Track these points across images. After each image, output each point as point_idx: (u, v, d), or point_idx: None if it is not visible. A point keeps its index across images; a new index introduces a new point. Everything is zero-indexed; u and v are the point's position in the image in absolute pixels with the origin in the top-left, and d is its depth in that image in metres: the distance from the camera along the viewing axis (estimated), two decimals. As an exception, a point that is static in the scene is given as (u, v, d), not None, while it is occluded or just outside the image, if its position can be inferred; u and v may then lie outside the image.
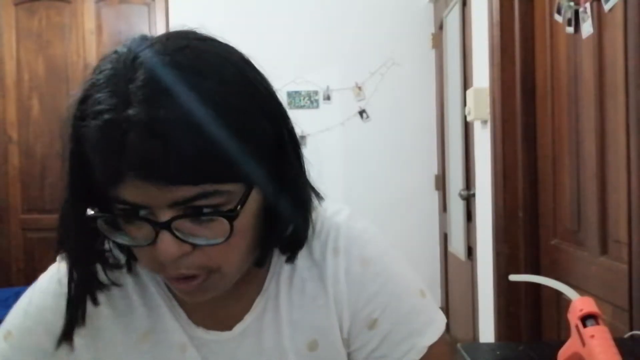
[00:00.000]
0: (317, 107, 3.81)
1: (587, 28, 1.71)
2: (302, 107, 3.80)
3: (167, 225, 0.58)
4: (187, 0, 3.78)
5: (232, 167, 0.58)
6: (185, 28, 0.64)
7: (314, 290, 0.72)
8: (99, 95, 0.57)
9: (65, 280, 0.68)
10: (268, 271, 0.73)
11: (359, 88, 3.82)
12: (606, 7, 1.59)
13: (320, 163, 3.77)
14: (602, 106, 1.67)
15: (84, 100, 0.58)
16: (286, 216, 0.66)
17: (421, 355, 0.71)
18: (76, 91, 0.61)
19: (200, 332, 0.72)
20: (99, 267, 0.68)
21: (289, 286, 0.72)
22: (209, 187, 0.57)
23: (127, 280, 0.73)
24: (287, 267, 0.73)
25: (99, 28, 3.80)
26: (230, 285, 0.67)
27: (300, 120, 3.60)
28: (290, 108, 3.79)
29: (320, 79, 3.79)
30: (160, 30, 3.77)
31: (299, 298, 0.72)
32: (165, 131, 0.55)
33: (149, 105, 0.55)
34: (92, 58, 3.79)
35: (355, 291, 0.71)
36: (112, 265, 0.70)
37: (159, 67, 0.57)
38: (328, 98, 3.81)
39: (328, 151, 3.80)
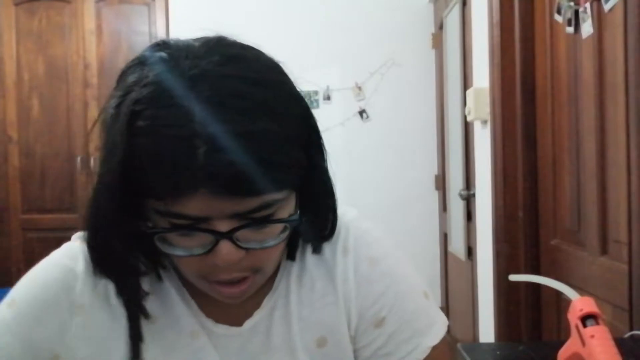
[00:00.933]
0: (317, 107, 3.81)
1: (587, 28, 1.71)
2: (302, 107, 3.79)
3: (228, 236, 0.59)
4: (187, 0, 3.78)
5: (288, 175, 0.60)
6: (208, 32, 0.64)
7: (324, 289, 0.73)
8: (157, 110, 0.56)
9: (81, 257, 0.69)
10: (278, 270, 0.74)
11: (359, 88, 3.82)
12: (606, 7, 1.59)
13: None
14: (602, 106, 1.67)
15: (137, 114, 0.57)
16: (315, 208, 0.69)
17: (425, 355, 0.72)
18: (118, 98, 0.59)
19: (210, 324, 0.72)
20: (141, 278, 0.69)
21: (298, 284, 0.73)
22: (268, 197, 0.59)
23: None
24: (296, 266, 0.74)
25: (99, 28, 3.80)
26: (265, 280, 0.70)
27: (300, 120, 3.53)
28: (290, 108, 3.79)
29: (320, 79, 3.79)
30: (160, 30, 3.77)
31: (308, 296, 0.73)
32: (232, 144, 0.55)
33: (214, 119, 0.55)
34: (92, 58, 3.79)
35: (363, 290, 0.72)
36: (139, 273, 0.70)
37: (220, 80, 0.57)
38: (328, 98, 3.81)
39: (328, 151, 3.79)
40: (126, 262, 0.66)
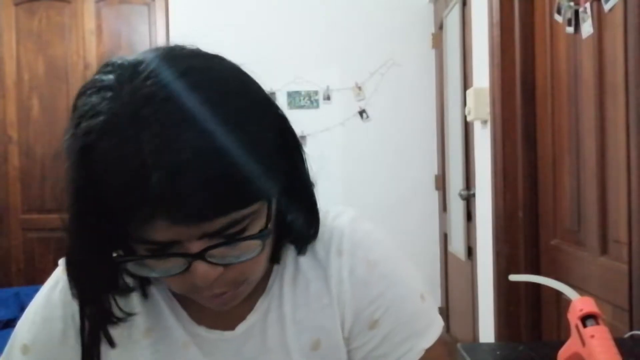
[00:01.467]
0: (317, 107, 3.81)
1: (587, 28, 1.71)
2: (302, 107, 3.79)
3: (200, 256, 0.58)
4: (187, 0, 3.78)
5: (255, 189, 0.58)
6: (171, 45, 0.61)
7: (318, 290, 0.72)
8: (106, 142, 0.54)
9: (68, 290, 0.68)
10: (271, 271, 0.74)
11: (359, 88, 3.82)
12: (606, 7, 1.59)
13: (320, 163, 3.76)
14: (602, 106, 1.67)
15: (88, 147, 0.55)
16: (297, 211, 0.69)
17: (419, 356, 0.72)
18: (72, 128, 0.57)
19: (202, 331, 0.72)
20: (112, 302, 0.68)
21: (292, 286, 0.73)
22: (236, 215, 0.57)
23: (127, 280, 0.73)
24: (290, 268, 0.73)
25: (99, 28, 3.80)
26: (253, 287, 0.69)
27: (300, 120, 3.60)
28: (290, 108, 3.79)
29: (320, 79, 3.79)
30: (160, 30, 3.77)
31: (302, 298, 0.72)
32: (188, 169, 0.53)
33: (166, 144, 0.53)
34: (92, 58, 3.79)
35: (358, 292, 0.72)
36: (123, 291, 0.70)
37: (166, 100, 0.54)
38: (328, 98, 3.81)
39: (328, 151, 3.80)
40: (99, 288, 0.66)
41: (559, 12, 1.90)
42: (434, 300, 0.79)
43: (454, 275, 3.48)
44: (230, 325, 0.72)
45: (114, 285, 0.67)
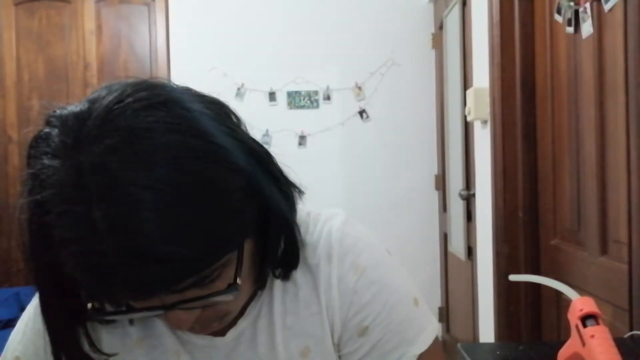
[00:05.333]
0: (317, 107, 3.81)
1: (587, 28, 1.71)
2: (302, 107, 3.79)
3: (173, 307, 0.58)
4: (187, 0, 3.78)
5: (219, 247, 0.56)
6: (122, 84, 0.57)
7: (308, 297, 0.71)
8: (57, 220, 0.53)
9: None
10: None
11: (359, 88, 3.81)
12: (606, 7, 1.59)
13: (320, 163, 3.77)
14: (602, 106, 1.67)
15: (40, 224, 0.55)
16: (274, 241, 0.66)
17: None
18: (24, 189, 0.56)
19: (193, 338, 0.72)
20: (91, 343, 0.68)
21: (282, 292, 0.72)
22: (206, 272, 0.57)
23: None
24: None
25: (99, 28, 3.80)
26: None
27: (300, 120, 3.62)
28: (290, 108, 3.79)
29: (320, 79, 3.79)
30: (160, 30, 3.77)
31: (292, 304, 0.72)
32: (142, 255, 0.51)
33: (115, 224, 0.51)
34: (92, 58, 3.79)
35: (347, 299, 0.71)
36: (106, 322, 0.71)
37: (110, 173, 0.51)
38: (328, 98, 3.81)
39: (328, 151, 3.80)
40: (68, 330, 0.65)
41: (559, 12, 1.90)
42: (428, 305, 0.77)
43: (454, 275, 3.48)
44: (221, 332, 0.72)
45: (84, 320, 0.66)
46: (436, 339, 0.74)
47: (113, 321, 0.71)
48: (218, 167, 0.55)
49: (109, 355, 0.69)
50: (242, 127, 0.63)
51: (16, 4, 3.79)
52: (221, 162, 0.56)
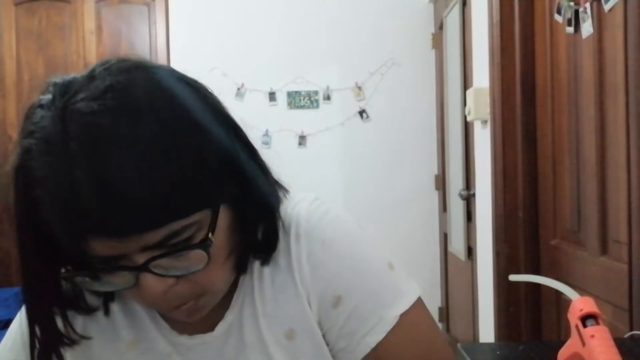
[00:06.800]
0: (317, 107, 3.81)
1: (587, 28, 1.71)
2: (302, 107, 3.80)
3: (144, 268, 0.58)
4: (187, 0, 3.78)
5: (191, 199, 0.58)
6: (110, 58, 0.62)
7: (283, 281, 0.72)
8: (38, 161, 0.56)
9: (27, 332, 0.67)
10: None
11: (359, 88, 3.82)
12: (606, 7, 1.59)
13: (320, 163, 3.77)
14: (602, 106, 1.67)
15: (24, 168, 0.57)
16: (253, 221, 0.67)
17: (392, 325, 0.70)
18: (16, 147, 0.59)
19: (185, 339, 0.72)
20: (64, 323, 0.68)
21: (260, 280, 0.72)
22: (175, 225, 0.57)
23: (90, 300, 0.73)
24: (258, 261, 0.73)
25: (99, 28, 3.80)
26: (220, 297, 0.69)
27: (300, 120, 3.62)
28: (290, 108, 3.79)
29: (320, 79, 3.79)
30: (160, 30, 3.77)
31: (270, 290, 0.72)
32: (114, 185, 0.54)
33: (91, 162, 0.54)
34: (92, 58, 3.79)
35: (318, 273, 0.71)
36: (84, 310, 0.70)
37: (90, 118, 0.55)
38: (328, 98, 3.81)
39: (328, 151, 3.80)
40: (46, 306, 0.65)
41: (559, 12, 1.90)
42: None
43: (454, 275, 3.48)
44: (211, 327, 0.72)
45: (62, 304, 0.67)
46: (419, 300, 0.72)
47: (94, 310, 0.71)
48: (198, 119, 0.60)
49: (83, 338, 0.69)
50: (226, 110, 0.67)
51: (16, 4, 3.79)
52: (193, 103, 0.60)
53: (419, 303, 0.72)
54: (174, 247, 0.58)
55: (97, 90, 0.57)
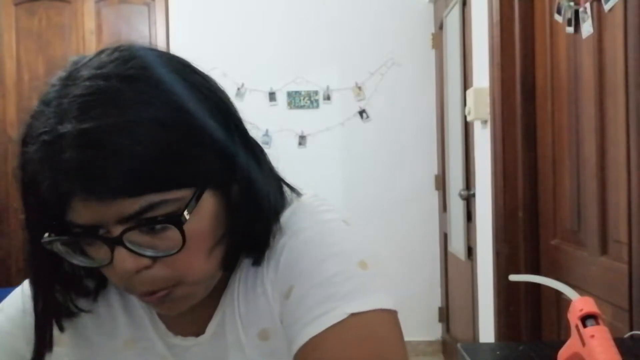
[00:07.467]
0: (317, 107, 3.81)
1: (587, 28, 1.71)
2: (302, 107, 3.80)
3: (119, 240, 0.57)
4: (187, 0, 3.78)
5: (174, 173, 0.57)
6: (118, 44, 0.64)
7: (254, 280, 0.69)
8: (38, 120, 0.58)
9: (29, 302, 0.68)
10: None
11: (359, 88, 3.82)
12: (606, 7, 1.59)
13: (320, 163, 3.77)
14: (602, 106, 1.67)
15: (26, 127, 0.59)
16: (245, 215, 0.64)
17: (337, 320, 0.60)
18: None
19: (179, 341, 0.72)
20: (66, 296, 0.69)
21: (238, 281, 0.71)
22: (154, 198, 0.56)
23: (110, 288, 0.73)
24: (247, 262, 0.70)
25: (99, 28, 3.80)
26: (204, 293, 0.67)
27: (300, 120, 3.62)
28: (290, 108, 3.79)
29: (320, 79, 3.79)
30: (160, 30, 3.77)
31: (244, 291, 0.70)
32: (98, 142, 0.55)
33: (81, 118, 0.55)
34: (92, 58, 3.79)
35: (279, 264, 0.67)
36: (79, 293, 0.70)
37: (88, 81, 0.57)
38: (328, 98, 3.81)
39: (328, 151, 3.80)
40: (43, 273, 0.66)
41: (559, 12, 1.90)
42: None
43: (454, 275, 3.48)
44: (203, 329, 0.72)
45: (59, 276, 0.67)
46: (388, 313, 0.62)
47: (90, 293, 0.71)
48: (192, 106, 0.60)
49: (82, 311, 0.70)
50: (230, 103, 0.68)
51: (16, 4, 3.79)
52: (194, 83, 0.62)
53: (386, 314, 0.62)
54: (149, 221, 0.57)
55: (101, 61, 0.60)
